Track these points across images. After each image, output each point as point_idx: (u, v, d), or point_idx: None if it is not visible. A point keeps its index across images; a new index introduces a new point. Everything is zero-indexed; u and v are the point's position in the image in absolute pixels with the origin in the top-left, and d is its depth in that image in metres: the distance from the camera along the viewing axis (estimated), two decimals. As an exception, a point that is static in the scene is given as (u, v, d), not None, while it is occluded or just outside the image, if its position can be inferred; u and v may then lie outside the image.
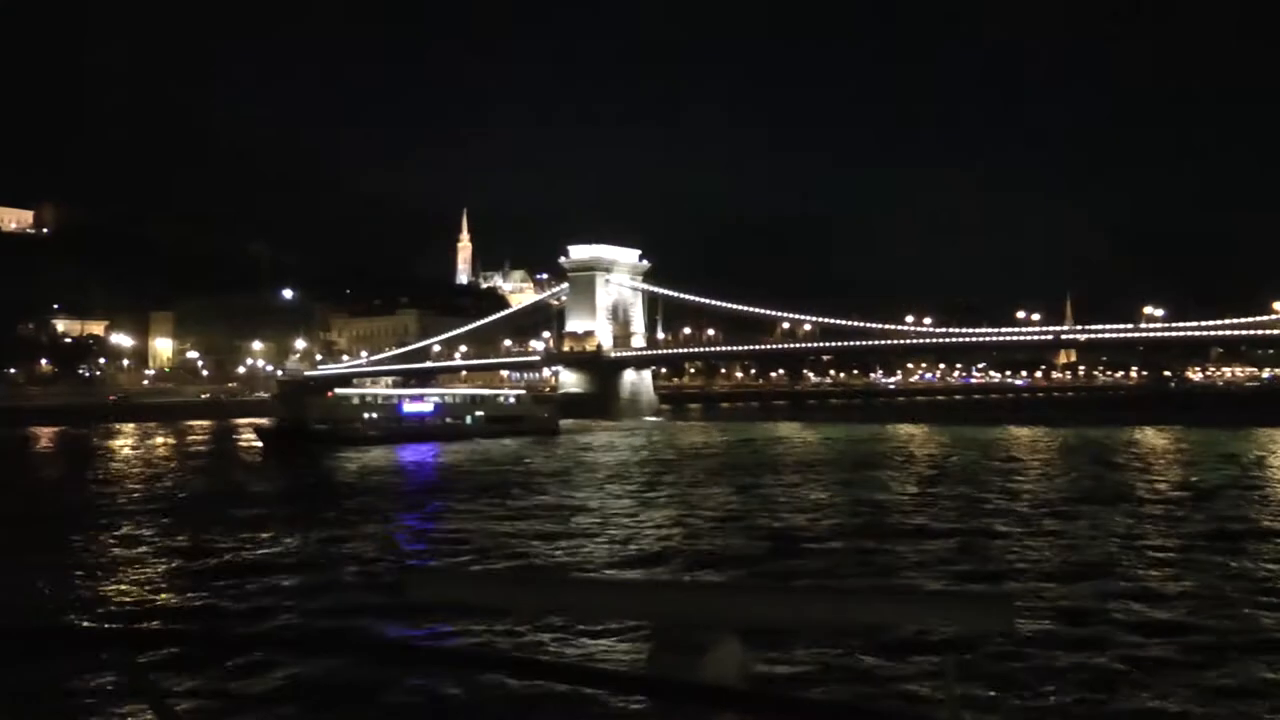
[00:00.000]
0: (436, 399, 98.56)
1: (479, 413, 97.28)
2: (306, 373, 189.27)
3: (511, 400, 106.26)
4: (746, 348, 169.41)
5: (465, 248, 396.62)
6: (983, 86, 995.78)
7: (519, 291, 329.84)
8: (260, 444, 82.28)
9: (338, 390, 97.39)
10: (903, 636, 16.39)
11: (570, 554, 30.27)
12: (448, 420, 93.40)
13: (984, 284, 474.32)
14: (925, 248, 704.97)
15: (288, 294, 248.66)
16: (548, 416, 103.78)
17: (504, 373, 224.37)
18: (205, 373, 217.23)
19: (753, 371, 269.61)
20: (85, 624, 20.52)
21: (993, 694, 15.48)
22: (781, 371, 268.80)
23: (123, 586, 25.88)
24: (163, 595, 25.15)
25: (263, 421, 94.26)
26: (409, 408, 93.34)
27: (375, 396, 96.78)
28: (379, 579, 25.57)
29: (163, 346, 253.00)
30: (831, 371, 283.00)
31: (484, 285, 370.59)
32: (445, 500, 44.67)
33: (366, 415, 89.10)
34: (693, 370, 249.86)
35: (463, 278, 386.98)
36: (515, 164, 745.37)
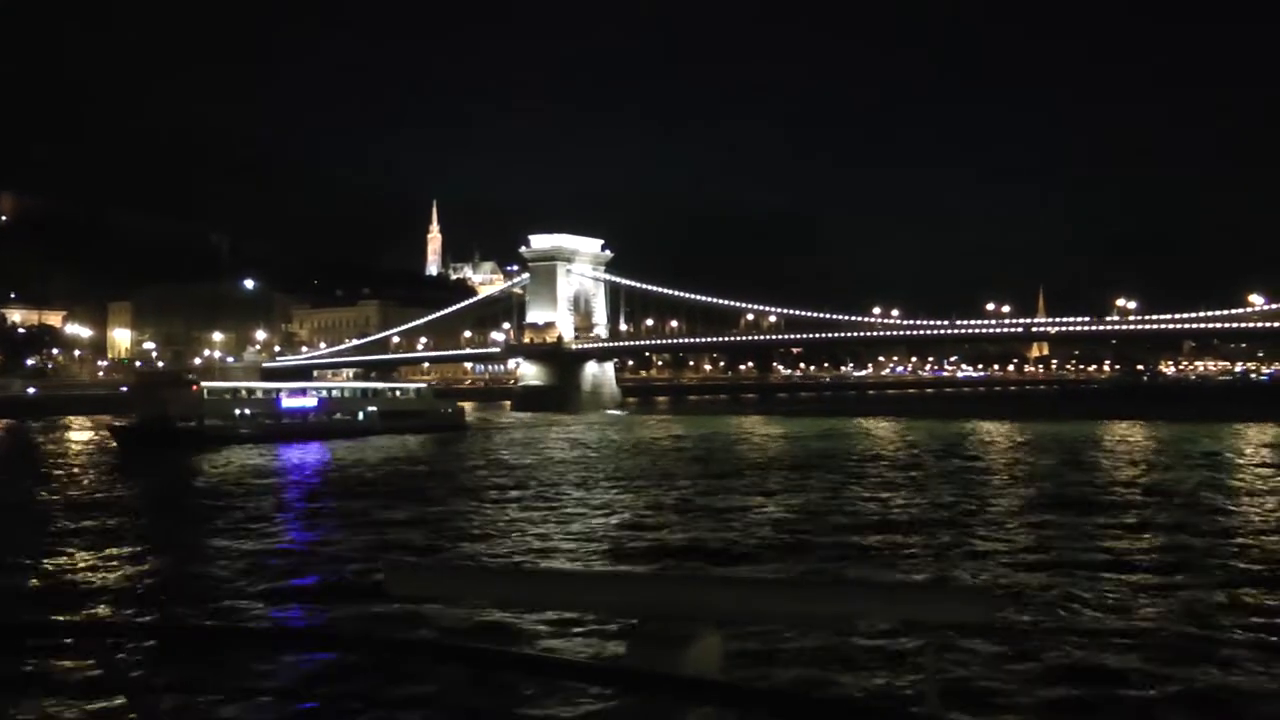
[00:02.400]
0: (321, 393, 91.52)
1: (371, 408, 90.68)
2: (265, 364, 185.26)
3: (410, 394, 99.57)
4: (710, 339, 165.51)
5: (435, 239, 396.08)
6: (959, 82, 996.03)
7: (489, 283, 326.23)
8: (115, 444, 74.05)
9: (205, 383, 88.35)
10: (883, 628, 16.19)
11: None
12: (335, 416, 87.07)
13: (958, 278, 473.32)
14: (898, 243, 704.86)
15: (249, 284, 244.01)
16: (451, 411, 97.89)
17: (468, 365, 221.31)
18: (160, 364, 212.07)
19: (721, 364, 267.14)
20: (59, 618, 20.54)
21: (972, 685, 15.28)
22: (751, 364, 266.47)
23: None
24: None
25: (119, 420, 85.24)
26: (288, 402, 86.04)
27: (252, 390, 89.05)
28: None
29: (121, 337, 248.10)
30: (801, 364, 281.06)
31: (454, 277, 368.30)
32: (309, 510, 39.36)
33: (239, 411, 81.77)
34: (660, 363, 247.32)
35: (433, 269, 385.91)
36: (491, 156, 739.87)
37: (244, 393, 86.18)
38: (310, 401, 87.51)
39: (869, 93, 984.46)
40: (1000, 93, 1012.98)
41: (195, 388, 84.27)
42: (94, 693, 10.76)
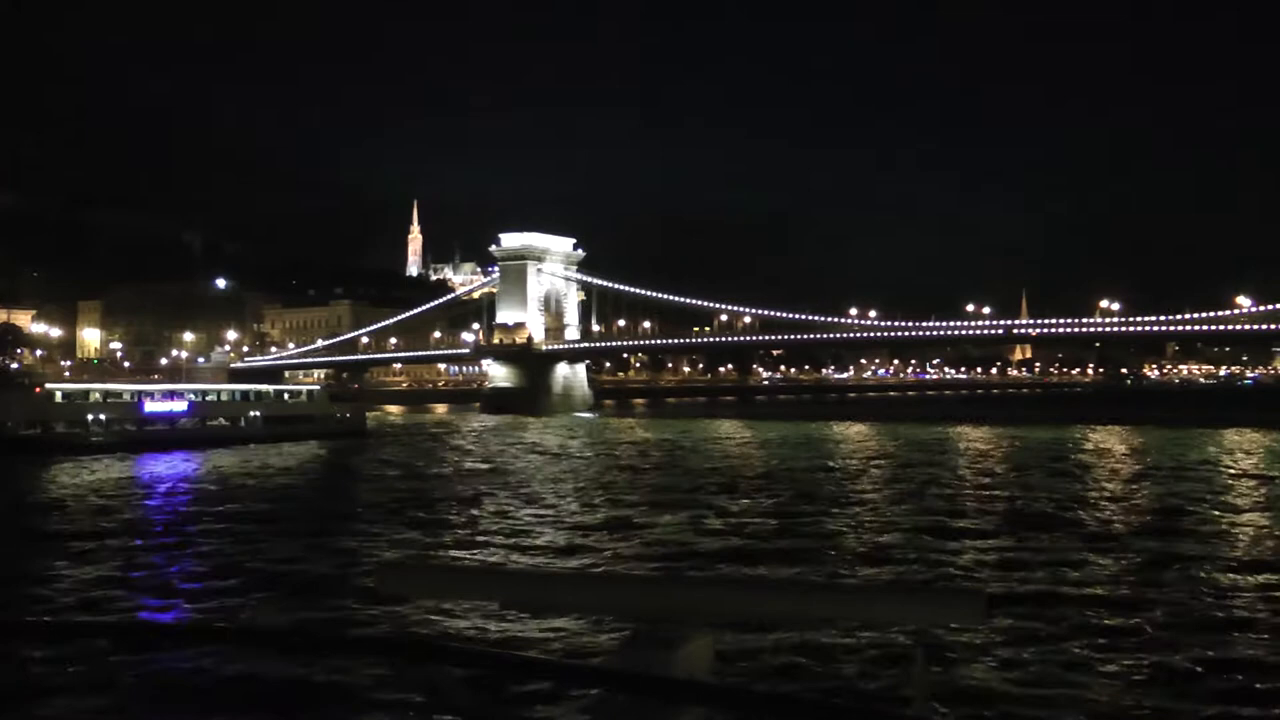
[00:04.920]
0: (193, 396, 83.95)
1: (254, 412, 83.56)
2: (233, 365, 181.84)
3: (301, 396, 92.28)
4: (684, 340, 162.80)
5: (416, 239, 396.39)
6: (943, 81, 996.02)
7: (469, 284, 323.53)
8: None
9: (51, 385, 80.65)
10: (873, 630, 16.34)
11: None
12: (210, 422, 79.74)
13: (949, 280, 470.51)
14: (882, 244, 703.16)
15: (221, 283, 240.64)
16: (349, 416, 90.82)
17: (441, 366, 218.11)
18: (127, 364, 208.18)
19: (700, 366, 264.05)
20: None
21: (963, 686, 15.32)
22: (730, 366, 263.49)
23: None
24: None
25: None
26: (153, 407, 78.16)
27: (113, 393, 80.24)
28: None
29: (91, 337, 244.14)
30: (782, 367, 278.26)
31: (434, 277, 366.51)
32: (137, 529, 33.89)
33: (93, 416, 73.95)
34: (638, 365, 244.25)
35: (413, 270, 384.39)
36: (481, 157, 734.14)
37: (100, 396, 78.03)
38: (179, 405, 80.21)
39: (864, 93, 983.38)
40: (994, 93, 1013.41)
41: (39, 389, 77.30)
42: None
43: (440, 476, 52.58)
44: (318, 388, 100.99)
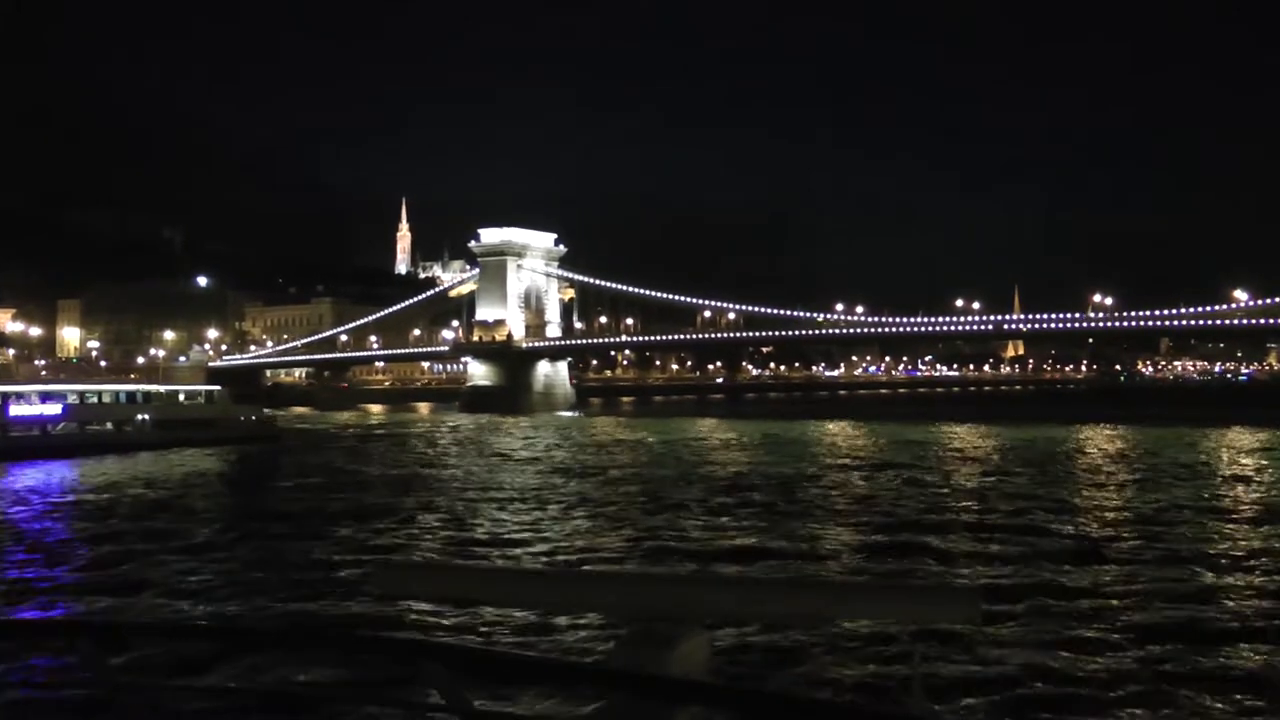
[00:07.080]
0: (71, 398, 75.04)
1: (143, 416, 75.38)
2: (211, 363, 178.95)
3: (199, 398, 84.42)
4: (668, 338, 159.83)
5: (405, 237, 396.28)
6: (943, 81, 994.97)
7: (458, 281, 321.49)
8: None
9: None
10: (868, 628, 16.32)
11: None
12: (90, 427, 71.64)
13: (938, 279, 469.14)
14: (880, 244, 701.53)
15: (202, 281, 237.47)
16: (255, 420, 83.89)
17: (425, 364, 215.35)
18: (103, 364, 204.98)
19: (689, 364, 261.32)
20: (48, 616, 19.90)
21: (957, 685, 15.26)
22: (719, 364, 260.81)
23: None
24: None
25: None
26: (19, 410, 69.62)
27: None
28: None
29: (70, 336, 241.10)
30: (772, 364, 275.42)
31: (423, 275, 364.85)
32: None
33: None
34: (625, 362, 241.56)
35: (402, 268, 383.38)
36: (470, 154, 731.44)
37: None
38: (52, 409, 71.80)
39: (864, 93, 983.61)
40: (988, 92, 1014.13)
41: None
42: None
43: (356, 484, 46.79)
44: (218, 388, 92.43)
